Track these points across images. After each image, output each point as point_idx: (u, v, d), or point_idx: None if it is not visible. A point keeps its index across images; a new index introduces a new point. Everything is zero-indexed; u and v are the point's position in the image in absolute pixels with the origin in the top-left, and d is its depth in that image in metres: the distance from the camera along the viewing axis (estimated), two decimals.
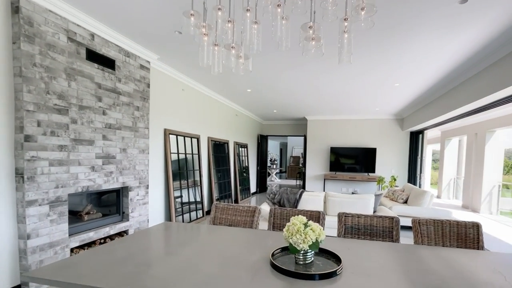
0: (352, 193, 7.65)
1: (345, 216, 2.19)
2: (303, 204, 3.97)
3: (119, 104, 3.32)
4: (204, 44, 1.62)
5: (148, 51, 3.68)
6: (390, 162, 7.00)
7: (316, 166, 8.15)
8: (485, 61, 3.48)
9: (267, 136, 9.71)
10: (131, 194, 3.55)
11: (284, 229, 1.41)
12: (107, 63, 3.15)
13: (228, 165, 6.75)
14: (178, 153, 4.69)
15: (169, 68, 4.32)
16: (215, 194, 5.85)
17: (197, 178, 5.25)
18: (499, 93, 3.35)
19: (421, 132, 6.37)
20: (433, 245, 2.02)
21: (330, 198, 3.84)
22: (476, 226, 1.95)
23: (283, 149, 17.50)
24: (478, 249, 1.92)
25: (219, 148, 6.23)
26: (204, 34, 1.58)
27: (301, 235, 1.31)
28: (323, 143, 7.97)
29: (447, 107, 4.52)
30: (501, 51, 3.14)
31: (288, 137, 15.08)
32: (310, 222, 1.42)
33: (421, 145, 6.34)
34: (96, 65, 3.01)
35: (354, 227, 2.15)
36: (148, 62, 3.81)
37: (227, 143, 6.74)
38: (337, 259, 1.46)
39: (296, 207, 3.99)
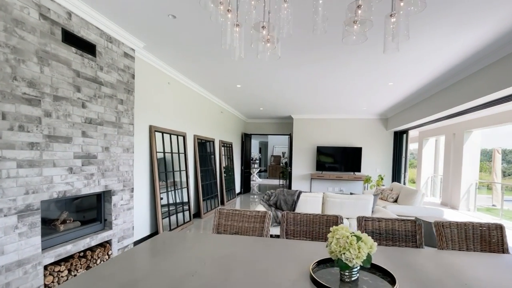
0: (340, 191, 7.72)
1: (365, 220, 2.06)
2: (302, 206, 3.83)
3: (100, 96, 2.91)
4: (228, 23, 1.37)
5: (134, 37, 3.29)
6: (375, 162, 7.17)
7: (302, 165, 8.12)
8: (472, 67, 3.60)
9: (251, 134, 9.51)
10: (114, 199, 3.15)
11: (331, 243, 1.21)
12: (87, 47, 2.73)
13: (214, 165, 6.44)
14: (164, 152, 4.31)
15: (155, 59, 3.93)
16: (202, 196, 5.53)
17: (184, 179, 4.90)
18: (483, 98, 3.51)
19: (405, 132, 6.59)
20: (457, 249, 1.96)
21: (329, 199, 3.74)
22: (500, 228, 1.91)
23: (262, 148, 17.42)
24: (503, 252, 1.88)
25: (204, 147, 5.91)
26: (228, 10, 1.34)
27: (354, 249, 1.13)
28: (309, 142, 7.95)
29: (434, 109, 4.68)
30: (491, 56, 3.24)
31: (269, 136, 15.01)
32: (358, 232, 1.24)
33: (405, 145, 6.57)
34: (74, 49, 2.58)
35: (375, 232, 2.02)
36: (133, 50, 3.41)
37: (213, 142, 6.43)
38: (383, 273, 1.31)
39: (294, 209, 3.84)
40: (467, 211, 5.67)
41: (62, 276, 2.51)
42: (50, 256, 2.40)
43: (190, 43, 3.36)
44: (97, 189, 2.89)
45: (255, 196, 8.58)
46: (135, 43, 3.36)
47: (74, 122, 2.60)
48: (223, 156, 7.06)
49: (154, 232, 4.12)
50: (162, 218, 4.08)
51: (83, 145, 2.69)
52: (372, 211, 3.83)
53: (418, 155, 8.04)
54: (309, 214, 2.19)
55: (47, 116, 2.34)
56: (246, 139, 9.18)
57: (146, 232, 3.92)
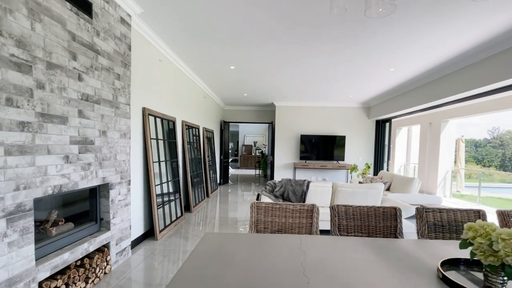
0: (323, 180, 7.93)
1: (426, 211, 1.98)
2: (311, 196, 3.77)
3: (97, 68, 2.38)
4: None
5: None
6: (358, 150, 7.50)
7: (285, 154, 8.11)
8: (474, 57, 3.88)
9: (229, 122, 9.17)
10: (112, 194, 2.67)
11: (491, 245, 1.03)
12: (83, 5, 2.18)
13: (200, 154, 6.03)
14: (157, 139, 3.83)
15: (149, 31, 3.40)
16: (191, 188, 5.13)
17: (174, 169, 4.45)
18: (470, 92, 3.85)
19: (387, 120, 6.96)
20: None
21: (339, 189, 3.74)
22: None
23: (233, 137, 17.10)
24: None
25: (191, 135, 5.47)
26: None
27: None
28: (293, 130, 7.96)
29: (421, 99, 5.00)
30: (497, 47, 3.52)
31: (240, 124, 14.73)
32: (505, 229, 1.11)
33: (388, 133, 6.95)
34: (68, 4, 2.03)
35: (438, 224, 1.96)
36: (129, 16, 2.87)
37: (198, 129, 6.00)
38: None
39: (304, 200, 3.76)
40: (444, 197, 6.30)
41: None
42: (45, 269, 1.91)
43: (192, 14, 2.94)
44: (95, 182, 2.40)
45: (236, 187, 8.37)
46: (133, 8, 2.82)
47: (70, 98, 2.07)
48: (206, 145, 6.65)
49: (149, 230, 3.68)
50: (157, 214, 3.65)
51: (80, 127, 2.18)
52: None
53: (392, 144, 8.66)
54: (363, 207, 2.06)
55: (40, 88, 1.81)
56: (225, 127, 8.82)
57: (140, 230, 3.47)
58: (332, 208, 2.05)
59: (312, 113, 7.76)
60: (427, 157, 6.69)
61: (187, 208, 5.12)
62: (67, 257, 2.10)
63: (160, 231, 3.68)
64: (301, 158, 7.88)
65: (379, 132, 7.06)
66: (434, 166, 6.43)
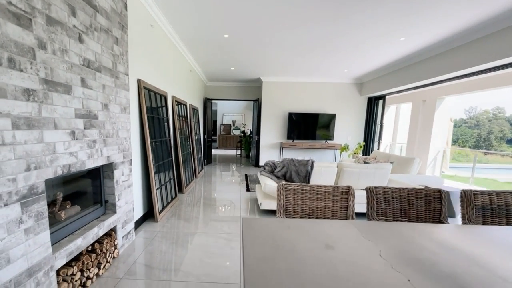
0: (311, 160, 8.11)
1: (474, 194, 1.91)
2: (315, 177, 3.82)
3: (97, 28, 2.09)
4: None
5: None
6: (348, 129, 7.62)
7: (271, 133, 8.08)
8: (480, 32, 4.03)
9: (212, 100, 8.86)
10: (116, 174, 2.48)
11: None
12: None
13: (190, 132, 5.80)
14: (153, 116, 3.58)
15: None
16: (182, 168, 4.98)
17: (167, 148, 4.25)
18: (474, 68, 4.01)
19: (381, 98, 7.03)
20: None
21: (345, 169, 3.80)
22: None
23: (211, 116, 16.68)
24: None
25: (180, 112, 5.21)
26: None
27: None
28: (280, 108, 7.90)
29: (420, 75, 5.14)
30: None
31: (219, 102, 14.38)
32: None
33: (382, 111, 7.03)
34: None
35: (487, 208, 1.89)
36: None
37: (186, 106, 5.72)
38: None
39: (308, 181, 3.80)
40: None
41: (75, 281, 1.90)
42: (62, 257, 1.76)
43: None
44: (100, 162, 2.20)
45: (221, 167, 8.31)
46: None
47: (73, 63, 1.81)
48: (194, 123, 6.41)
49: (147, 212, 3.53)
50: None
51: (84, 98, 1.94)
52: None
53: (427, 120, 8.59)
54: (403, 189, 2.01)
55: (42, 49, 1.54)
56: (208, 104, 8.52)
57: (140, 212, 3.33)
58: (369, 190, 2.03)
59: (302, 89, 7.71)
60: (418, 137, 6.95)
61: (179, 189, 4.98)
62: (80, 242, 1.94)
63: (159, 213, 3.56)
64: (289, 137, 7.92)
65: (371, 110, 7.18)
66: (425, 146, 6.69)
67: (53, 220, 1.85)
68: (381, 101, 6.88)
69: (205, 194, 5.04)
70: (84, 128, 1.95)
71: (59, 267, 1.72)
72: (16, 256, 1.40)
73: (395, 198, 2.04)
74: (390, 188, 2.06)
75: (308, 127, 7.67)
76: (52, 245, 1.72)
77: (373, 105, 7.09)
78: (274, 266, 1.08)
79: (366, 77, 7.03)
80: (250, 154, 10.28)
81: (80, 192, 2.29)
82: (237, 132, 14.72)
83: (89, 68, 1.99)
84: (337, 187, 2.04)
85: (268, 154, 8.19)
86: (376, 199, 2.02)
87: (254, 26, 4.03)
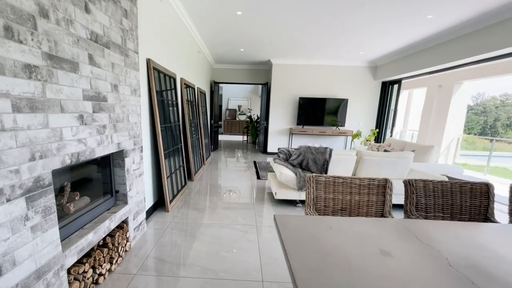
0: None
1: None
2: (333, 166, 3.62)
3: None
4: None
5: None
6: (360, 115, 7.36)
7: (280, 119, 7.83)
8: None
9: (219, 83, 8.58)
10: (127, 162, 2.31)
11: None
12: None
13: (198, 117, 5.60)
14: (162, 99, 3.37)
15: None
16: (191, 154, 4.81)
17: (177, 134, 4.07)
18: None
19: (397, 82, 6.46)
20: None
21: (365, 158, 3.61)
22: None
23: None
24: None
25: (188, 96, 4.98)
26: None
27: None
28: (290, 92, 7.61)
29: (443, 58, 4.83)
30: None
31: (225, 86, 14.07)
32: None
33: (396, 96, 6.71)
34: None
35: None
36: None
37: (194, 89, 5.48)
38: None
39: (326, 171, 3.62)
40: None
41: (87, 279, 1.77)
42: (72, 254, 1.61)
43: None
44: (110, 149, 2.02)
45: (228, 154, 8.15)
46: None
47: (79, 37, 1.59)
48: (201, 108, 6.19)
49: (157, 201, 3.40)
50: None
51: (92, 78, 1.73)
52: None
53: (442, 106, 8.27)
54: (445, 182, 1.85)
55: (44, 17, 1.32)
56: (215, 88, 8.25)
57: (150, 201, 3.19)
58: (408, 183, 1.87)
59: (313, 72, 7.39)
60: (432, 123, 6.71)
61: (188, 176, 4.84)
62: (91, 237, 1.80)
63: (170, 202, 3.42)
64: (298, 123, 7.68)
65: (385, 95, 6.87)
66: (439, 133, 6.47)
67: (61, 214, 1.69)
68: (396, 86, 6.54)
69: (214, 182, 4.91)
70: (93, 112, 1.75)
71: (69, 265, 1.58)
72: (23, 257, 1.24)
73: (436, 192, 1.87)
74: (431, 181, 1.89)
75: (318, 112, 7.41)
76: (61, 241, 1.57)
77: (387, 90, 6.77)
78: (332, 281, 0.91)
79: (381, 60, 6.66)
80: (257, 140, 10.09)
81: (89, 182, 2.13)
82: (242, 117, 14.46)
83: (96, 43, 1.77)
84: (373, 179, 1.86)
85: (276, 140, 8.00)
86: (416, 193, 1.85)
87: (267, 2, 3.72)
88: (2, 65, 1.11)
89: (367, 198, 1.84)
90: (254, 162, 6.71)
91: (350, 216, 1.84)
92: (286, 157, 4.08)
